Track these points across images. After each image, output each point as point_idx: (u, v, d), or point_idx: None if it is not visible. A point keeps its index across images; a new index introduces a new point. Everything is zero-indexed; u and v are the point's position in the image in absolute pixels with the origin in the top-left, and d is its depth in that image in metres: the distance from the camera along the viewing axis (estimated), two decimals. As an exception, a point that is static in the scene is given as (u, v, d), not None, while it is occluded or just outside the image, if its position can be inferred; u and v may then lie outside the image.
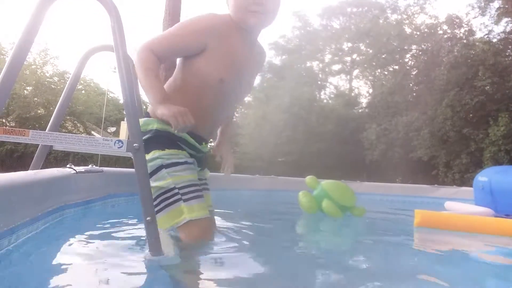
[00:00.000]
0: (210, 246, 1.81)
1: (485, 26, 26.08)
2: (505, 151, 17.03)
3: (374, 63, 29.54)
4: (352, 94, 31.73)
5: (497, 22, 23.97)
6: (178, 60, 1.76)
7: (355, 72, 33.55)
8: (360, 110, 28.94)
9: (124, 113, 1.50)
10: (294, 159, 24.76)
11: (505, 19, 22.95)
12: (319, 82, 33.09)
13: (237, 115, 35.98)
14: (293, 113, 25.52)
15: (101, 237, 1.88)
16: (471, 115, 19.67)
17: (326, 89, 34.44)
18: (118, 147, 1.42)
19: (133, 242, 1.73)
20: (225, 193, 5.93)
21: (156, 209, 1.63)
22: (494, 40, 23.05)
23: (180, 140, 1.73)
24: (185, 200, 1.65)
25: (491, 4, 23.50)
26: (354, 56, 32.95)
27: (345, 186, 3.89)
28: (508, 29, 22.79)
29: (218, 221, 2.80)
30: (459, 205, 5.03)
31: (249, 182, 6.95)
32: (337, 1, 33.22)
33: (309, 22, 34.48)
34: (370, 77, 32.02)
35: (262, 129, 24.72)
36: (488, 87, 19.21)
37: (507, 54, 21.36)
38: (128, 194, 3.65)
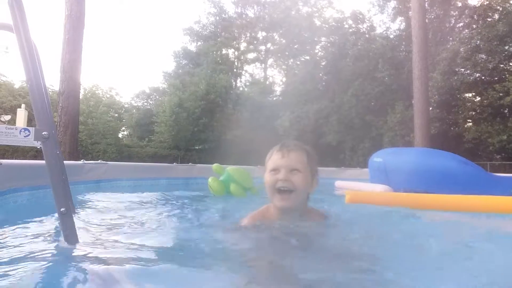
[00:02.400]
0: (129, 232, 1.78)
1: (384, 23, 28.84)
2: (400, 136, 19.11)
3: (287, 53, 30.68)
4: (267, 82, 32.58)
5: (393, 20, 26.60)
6: None
7: (270, 61, 34.51)
8: (274, 98, 29.86)
9: (30, 99, 1.36)
10: (211, 147, 24.76)
11: (400, 18, 25.54)
12: (235, 70, 33.36)
13: (151, 102, 34.78)
14: (210, 100, 25.42)
15: (7, 233, 1.69)
16: (372, 103, 21.61)
17: (242, 77, 34.94)
18: (25, 136, 1.29)
19: (45, 234, 1.61)
20: (145, 181, 5.76)
21: None
22: (391, 36, 25.54)
23: None
24: None
25: (388, 3, 25.93)
26: (269, 45, 33.81)
27: (245, 171, 4.45)
28: (402, 26, 25.40)
29: (140, 210, 2.72)
30: (349, 183, 5.63)
31: (167, 171, 6.81)
32: (252, -11, 33.63)
33: (224, 9, 34.40)
34: (283, 66, 33.20)
35: (179, 117, 24.17)
36: (386, 78, 21.23)
37: (401, 49, 23.78)
38: (32, 188, 3.35)
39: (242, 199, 3.97)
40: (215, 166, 4.51)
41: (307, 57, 28.59)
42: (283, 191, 1.69)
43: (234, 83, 31.69)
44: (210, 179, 4.18)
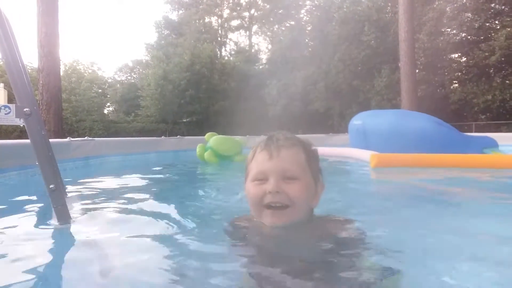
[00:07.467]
0: (118, 207, 1.76)
1: (369, -17, 28.21)
2: (387, 100, 19.18)
3: (271, 19, 30.03)
4: (252, 50, 31.99)
5: (378, -20, 26.03)
6: None
7: (254, 28, 33.75)
8: (260, 67, 29.45)
9: (8, 76, 1.27)
10: (198, 119, 24.56)
11: (386, -23, 25.00)
12: (219, 39, 32.62)
13: (135, 75, 34.05)
14: (195, 71, 24.94)
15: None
16: (359, 68, 21.49)
17: (226, 46, 34.23)
18: (6, 114, 1.23)
19: (36, 212, 1.57)
20: (134, 156, 5.70)
21: None
22: (377, -3, 25.09)
23: None
24: None
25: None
26: (252, 11, 32.97)
27: (229, 140, 5.01)
28: (388, -13, 24.91)
29: (129, 185, 2.69)
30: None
31: (155, 145, 6.75)
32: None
33: (204, -26, 33.19)
34: (268, 33, 32.57)
35: (164, 90, 23.74)
36: (372, 41, 21.03)
37: (387, 10, 23.43)
38: (20, 168, 3.28)
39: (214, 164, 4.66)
40: (207, 135, 5.08)
41: (292, 23, 28.06)
42: (274, 207, 1.17)
43: (219, 52, 31.04)
44: (197, 146, 4.85)
